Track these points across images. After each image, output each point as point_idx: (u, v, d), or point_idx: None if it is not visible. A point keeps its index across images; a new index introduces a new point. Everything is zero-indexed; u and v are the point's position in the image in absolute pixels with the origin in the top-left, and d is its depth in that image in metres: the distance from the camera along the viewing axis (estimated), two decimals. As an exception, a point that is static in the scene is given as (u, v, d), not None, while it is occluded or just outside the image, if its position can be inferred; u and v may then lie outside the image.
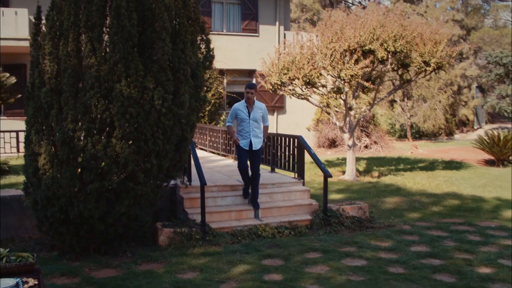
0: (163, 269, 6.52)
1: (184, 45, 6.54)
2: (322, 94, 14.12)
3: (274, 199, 8.99)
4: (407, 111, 28.13)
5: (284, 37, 20.76)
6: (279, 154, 10.21)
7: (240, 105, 8.27)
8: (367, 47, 12.23)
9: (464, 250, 7.45)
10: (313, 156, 9.09)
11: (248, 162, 8.39)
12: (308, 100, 14.11)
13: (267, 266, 6.70)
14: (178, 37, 6.51)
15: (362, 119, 15.11)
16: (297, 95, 13.79)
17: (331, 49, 12.46)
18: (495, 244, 7.76)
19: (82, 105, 6.08)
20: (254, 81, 20.40)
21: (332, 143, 22.21)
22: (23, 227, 8.07)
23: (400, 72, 13.62)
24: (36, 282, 3.76)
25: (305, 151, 9.41)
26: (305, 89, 13.34)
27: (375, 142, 22.14)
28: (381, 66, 13.21)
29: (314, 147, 21.42)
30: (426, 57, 12.78)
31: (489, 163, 17.75)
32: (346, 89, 13.15)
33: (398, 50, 12.33)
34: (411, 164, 17.59)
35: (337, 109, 14.82)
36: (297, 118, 22.16)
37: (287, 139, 9.96)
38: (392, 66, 13.07)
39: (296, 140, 9.57)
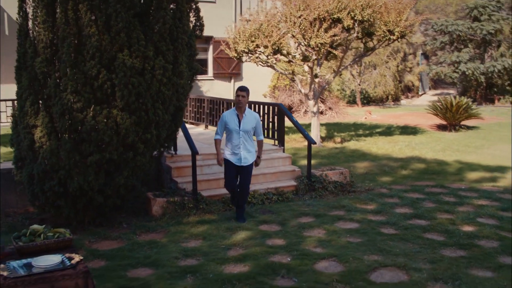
0: (165, 239, 6.58)
1: (181, 14, 6.47)
2: (289, 62, 14.25)
3: (259, 165, 9.12)
4: (357, 77, 28.73)
5: (241, 5, 20.63)
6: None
7: (229, 114, 7.08)
8: (335, 16, 12.40)
9: (444, 210, 7.91)
10: (296, 123, 9.28)
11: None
12: (273, 67, 14.21)
13: (267, 232, 6.89)
14: (176, 6, 6.42)
15: (326, 86, 15.36)
16: (263, 62, 13.85)
17: (299, 17, 12.56)
18: (470, 204, 8.27)
19: (83, 76, 5.94)
20: (211, 48, 20.18)
21: (289, 109, 22.49)
22: (6, 202, 7.86)
23: (364, 41, 13.91)
24: (82, 258, 3.76)
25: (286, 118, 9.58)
26: (271, 56, 13.40)
27: (329, 108, 22.60)
28: (347, 34, 13.44)
29: (272, 115, 21.64)
30: (391, 26, 13.11)
31: (441, 128, 18.55)
32: (314, 57, 13.32)
33: (365, 19, 12.59)
34: (369, 130, 18.14)
35: (302, 76, 15.01)
36: (254, 85, 22.11)
37: (265, 106, 10.07)
38: (357, 35, 13.34)
39: (276, 108, 9.70)
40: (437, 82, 37.53)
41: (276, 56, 13.79)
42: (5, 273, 3.45)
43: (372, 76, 28.49)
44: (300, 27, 12.47)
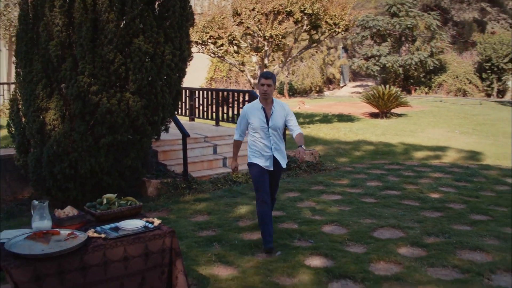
0: (172, 215, 6.98)
1: (185, 3, 6.88)
2: (236, 52, 14.83)
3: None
4: (284, 69, 29.78)
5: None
6: (225, 108, 10.84)
7: (252, 108, 5.54)
8: (287, 9, 13.14)
9: (409, 182, 8.89)
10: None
11: None
12: (224, 58, 14.74)
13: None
14: (181, -6, 6.84)
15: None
16: (215, 53, 14.34)
17: (252, 10, 13.19)
18: (428, 177, 9.33)
19: (100, 59, 6.20)
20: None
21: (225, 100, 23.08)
22: (-2, 189, 7.87)
23: (310, 33, 14.79)
24: (160, 221, 4.16)
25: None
26: (226, 47, 13.93)
27: (265, 100, 23.41)
28: (296, 27, 14.25)
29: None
30: (336, 20, 14.07)
31: (373, 115, 19.93)
32: (266, 48, 14.00)
33: (314, 12, 13.44)
34: (308, 118, 19.12)
35: (251, 67, 15.64)
36: (190, 76, 22.56)
37: (235, 93, 10.62)
38: (306, 28, 14.18)
39: (248, 93, 10.28)
40: (356, 75, 39.61)
41: (227, 48, 14.33)
42: (102, 235, 3.80)
43: (300, 69, 29.65)
44: (255, 20, 13.08)
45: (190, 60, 7.59)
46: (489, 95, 29.00)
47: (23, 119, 6.88)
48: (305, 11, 13.41)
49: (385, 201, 7.64)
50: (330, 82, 37.79)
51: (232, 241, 5.92)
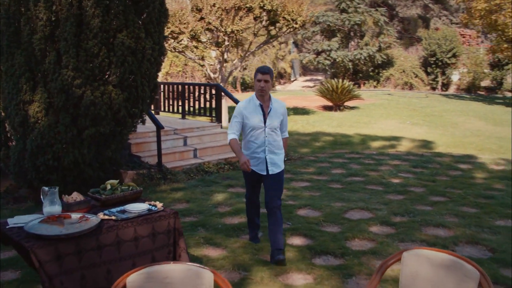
0: (153, 203, 7.24)
1: (162, 2, 7.15)
2: (195, 47, 15.09)
3: (203, 140, 10.01)
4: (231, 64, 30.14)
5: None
6: (191, 101, 11.13)
7: (248, 105, 5.06)
8: (248, 5, 13.53)
9: (370, 169, 9.49)
10: (236, 101, 10.25)
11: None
12: (184, 53, 14.97)
13: (238, 193, 7.86)
14: (158, -8, 7.09)
15: (234, 70, 16.44)
16: (174, 49, 14.56)
17: (213, 5, 13.49)
18: (387, 164, 9.96)
19: (85, 53, 6.40)
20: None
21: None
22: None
23: (269, 29, 15.23)
24: (162, 204, 4.47)
25: (222, 98, 10.51)
26: (188, 41, 14.17)
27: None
28: (255, 22, 14.65)
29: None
30: (294, 16, 14.57)
31: (327, 108, 20.60)
32: (227, 43, 14.33)
33: (273, 8, 13.88)
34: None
35: (211, 62, 15.94)
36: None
37: (202, 87, 10.92)
38: (264, 23, 14.61)
39: (215, 88, 10.60)
40: (306, 69, 40.45)
41: (187, 43, 14.57)
42: (113, 217, 4.09)
43: (253, 63, 30.07)
44: (217, 15, 13.39)
45: (165, 55, 7.85)
46: (434, 88, 30.37)
47: (2, 113, 6.96)
48: (265, 7, 13.82)
49: (351, 187, 8.18)
50: (281, 76, 38.42)
51: (215, 225, 6.27)
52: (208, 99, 10.85)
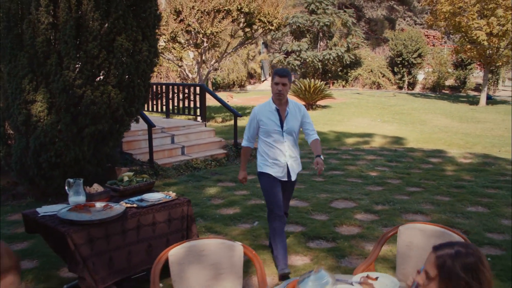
0: (149, 197, 7.65)
1: (156, 5, 7.55)
2: (176, 49, 15.47)
3: (190, 138, 10.43)
4: (209, 65, 30.54)
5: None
6: (176, 101, 11.53)
7: (264, 109, 4.90)
8: (226, 8, 13.99)
9: (349, 164, 10.08)
10: (220, 100, 10.73)
11: None
12: (162, 54, 15.33)
13: (228, 186, 8.32)
14: (153, -3, 7.50)
15: (211, 70, 16.86)
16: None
17: (192, 8, 13.91)
18: (364, 159, 10.58)
19: (85, 55, 6.76)
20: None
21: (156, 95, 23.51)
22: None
23: (245, 30, 15.73)
24: (175, 194, 4.91)
25: (205, 97, 10.95)
26: (168, 43, 14.54)
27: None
28: (233, 24, 15.13)
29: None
30: (270, 18, 15.10)
31: (300, 107, 21.15)
32: (206, 44, 14.76)
33: (251, 11, 14.38)
34: (241, 111, 20.01)
35: (189, 62, 16.32)
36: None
37: (185, 88, 11.33)
38: (241, 26, 15.10)
39: (199, 88, 11.03)
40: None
41: (166, 45, 14.94)
42: (134, 205, 4.51)
43: (225, 64, 30.50)
44: (196, 17, 13.81)
45: (159, 57, 8.25)
46: (400, 88, 31.41)
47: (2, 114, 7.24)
48: (242, 10, 14.30)
49: (333, 180, 8.74)
50: (251, 76, 38.95)
51: (213, 216, 6.72)
52: (193, 99, 11.26)
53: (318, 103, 21.33)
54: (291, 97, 20.34)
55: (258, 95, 29.01)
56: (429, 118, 17.51)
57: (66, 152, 7.02)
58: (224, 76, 30.83)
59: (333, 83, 32.79)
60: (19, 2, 6.88)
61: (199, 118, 11.26)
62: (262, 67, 38.47)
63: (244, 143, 5.11)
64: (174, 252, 3.22)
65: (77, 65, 6.78)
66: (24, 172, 7.24)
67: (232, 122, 16.26)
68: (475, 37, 21.24)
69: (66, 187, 4.56)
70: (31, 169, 7.13)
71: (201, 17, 13.84)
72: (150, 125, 8.82)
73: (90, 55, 6.79)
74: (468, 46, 22.55)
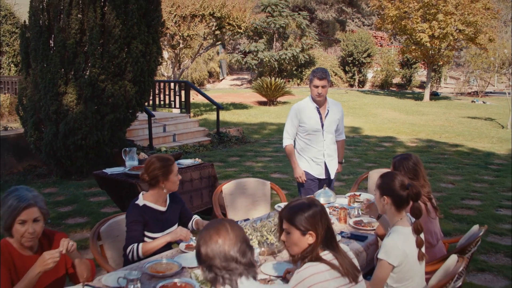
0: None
1: (161, 16, 9.09)
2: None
3: (178, 128, 11.99)
4: (182, 64, 31.90)
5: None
6: (162, 96, 13.05)
7: (305, 107, 4.96)
8: (201, 13, 15.58)
9: (316, 147, 11.86)
10: (203, 94, 12.35)
11: None
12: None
13: (219, 165, 9.93)
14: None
15: (185, 69, 18.36)
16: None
17: (169, 12, 15.42)
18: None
19: (108, 55, 8.24)
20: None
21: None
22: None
23: (216, 32, 17.34)
24: (200, 160, 6.50)
25: (191, 91, 12.51)
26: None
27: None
28: (206, 28, 16.72)
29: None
30: (238, 22, 16.78)
31: (262, 103, 22.94)
32: (181, 45, 16.29)
33: (222, 16, 16.01)
34: (208, 107, 21.60)
35: (164, 62, 17.76)
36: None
37: (171, 84, 12.87)
38: (213, 29, 16.72)
39: (184, 84, 12.59)
40: (232, 69, 42.72)
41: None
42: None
43: (185, 63, 31.90)
44: (174, 21, 15.33)
45: (163, 57, 9.79)
46: (351, 85, 33.72)
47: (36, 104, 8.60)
48: (214, 15, 15.91)
49: (305, 159, 10.50)
50: (210, 75, 40.45)
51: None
52: (178, 94, 12.79)
53: (279, 99, 23.10)
54: (250, 94, 22.16)
55: (219, 92, 30.59)
56: (379, 112, 19.62)
57: (89, 136, 8.46)
58: (186, 75, 32.21)
59: (288, 81, 34.71)
60: (49, 11, 8.27)
61: (176, 110, 12.78)
62: (220, 67, 40.03)
63: (286, 142, 5.12)
64: (226, 187, 4.88)
65: (101, 63, 8.23)
66: (53, 154, 8.61)
67: (207, 115, 17.88)
68: (419, 39, 23.58)
69: (123, 155, 6.08)
70: (59, 151, 8.52)
71: (179, 20, 15.35)
72: (150, 115, 10.32)
73: (111, 55, 8.27)
74: (413, 47, 24.93)
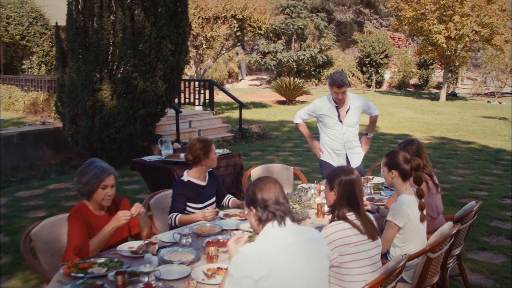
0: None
1: (188, 18, 9.76)
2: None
3: (203, 124, 12.65)
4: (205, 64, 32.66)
5: None
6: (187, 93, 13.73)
7: (324, 105, 5.35)
8: (223, 15, 16.24)
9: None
10: (227, 92, 12.99)
11: None
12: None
13: (243, 158, 10.53)
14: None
15: (208, 69, 19.04)
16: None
17: (193, 14, 16.10)
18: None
19: (139, 54, 8.92)
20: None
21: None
22: (37, 156, 10.16)
23: (238, 33, 17.99)
24: (228, 150, 7.13)
25: (215, 90, 13.16)
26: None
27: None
28: (228, 29, 17.37)
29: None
30: (259, 23, 17.41)
31: (281, 102, 23.55)
32: (204, 46, 16.97)
33: (244, 17, 16.66)
34: (229, 106, 22.27)
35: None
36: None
37: (196, 82, 13.54)
38: (235, 30, 17.37)
39: (208, 82, 13.26)
40: (251, 69, 43.40)
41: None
42: (204, 154, 6.72)
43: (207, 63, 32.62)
44: (198, 22, 16.01)
45: (190, 56, 10.45)
46: (369, 86, 34.17)
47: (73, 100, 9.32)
48: (236, 16, 16.56)
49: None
50: (229, 76, 41.16)
51: (239, 175, 8.95)
52: (203, 92, 13.46)
53: (297, 98, 23.69)
54: (269, 94, 22.78)
55: (238, 92, 31.24)
56: (396, 111, 20.10)
57: (123, 129, 9.14)
58: (207, 75, 32.95)
59: (306, 82, 35.27)
60: (84, 14, 8.98)
61: (199, 108, 13.44)
62: (239, 67, 40.73)
63: (297, 120, 5.68)
64: (255, 171, 5.50)
65: (133, 62, 8.90)
66: (89, 146, 9.32)
67: (228, 113, 18.54)
68: (435, 40, 23.99)
69: (159, 145, 6.75)
70: (95, 143, 9.22)
71: (202, 22, 16.03)
72: (178, 111, 10.99)
73: (143, 54, 8.95)
74: (429, 48, 25.33)
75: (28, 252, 3.41)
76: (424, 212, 3.55)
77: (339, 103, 5.18)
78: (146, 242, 3.23)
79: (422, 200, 3.54)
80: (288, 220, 2.46)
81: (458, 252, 4.14)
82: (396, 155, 3.63)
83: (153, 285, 2.62)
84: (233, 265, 2.31)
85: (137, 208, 3.34)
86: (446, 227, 3.49)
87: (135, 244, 3.29)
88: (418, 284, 3.47)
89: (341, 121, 5.23)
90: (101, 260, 3.01)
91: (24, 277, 4.90)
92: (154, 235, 3.60)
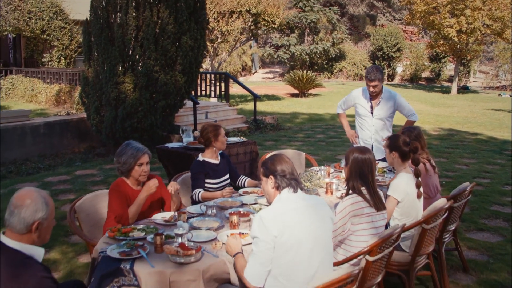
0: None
1: (206, 14, 10.25)
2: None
3: (219, 115, 13.16)
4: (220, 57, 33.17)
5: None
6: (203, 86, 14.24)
7: (360, 95, 5.71)
8: (238, 9, 16.70)
9: (344, 135, 12.89)
10: (242, 85, 13.48)
11: None
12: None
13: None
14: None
15: (222, 62, 19.53)
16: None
17: (212, 10, 16.58)
18: (355, 131, 13.43)
19: (161, 49, 9.43)
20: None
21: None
22: (62, 145, 10.74)
23: (252, 28, 18.44)
24: (245, 138, 7.63)
25: (230, 83, 13.65)
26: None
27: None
28: (242, 23, 17.83)
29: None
30: (273, 18, 17.84)
31: (294, 95, 24.00)
32: (219, 40, 17.46)
33: (258, 12, 17.10)
34: (243, 98, 22.77)
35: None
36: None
37: (212, 75, 14.04)
38: (249, 24, 17.83)
39: (224, 75, 13.75)
40: (264, 62, 43.81)
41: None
42: (222, 142, 7.23)
43: (222, 57, 33.12)
44: (213, 17, 16.49)
45: (208, 51, 10.95)
46: (381, 79, 34.44)
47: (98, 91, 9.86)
48: (250, 11, 17.02)
49: (334, 143, 11.56)
50: (243, 69, 41.62)
51: (254, 163, 9.46)
52: (218, 84, 13.96)
53: (310, 91, 24.12)
54: (282, 87, 23.26)
55: (252, 85, 31.60)
56: (407, 104, 20.43)
57: (144, 119, 9.68)
58: (221, 68, 33.44)
59: (319, 75, 35.63)
60: (108, 10, 9.50)
61: (214, 100, 13.94)
62: (252, 60, 41.15)
63: (338, 110, 6.18)
64: (270, 155, 5.98)
65: (155, 56, 9.42)
66: (112, 135, 9.87)
67: (242, 105, 19.03)
68: (446, 34, 24.26)
69: (181, 133, 7.27)
70: (117, 132, 9.77)
71: (218, 16, 16.51)
72: (195, 103, 11.51)
73: (164, 49, 9.46)
74: (441, 42, 25.59)
75: (74, 221, 3.96)
76: (421, 189, 4.02)
77: (372, 95, 5.52)
78: (177, 212, 3.74)
79: (419, 179, 4.01)
80: (299, 189, 2.96)
81: (453, 227, 4.60)
82: (397, 138, 4.10)
83: (186, 245, 3.13)
84: (255, 228, 2.80)
85: (174, 185, 3.88)
86: (440, 202, 3.97)
87: (167, 215, 3.80)
88: (414, 253, 3.94)
89: (371, 113, 5.58)
90: (140, 226, 3.53)
91: (62, 250, 5.44)
92: (183, 209, 4.13)
